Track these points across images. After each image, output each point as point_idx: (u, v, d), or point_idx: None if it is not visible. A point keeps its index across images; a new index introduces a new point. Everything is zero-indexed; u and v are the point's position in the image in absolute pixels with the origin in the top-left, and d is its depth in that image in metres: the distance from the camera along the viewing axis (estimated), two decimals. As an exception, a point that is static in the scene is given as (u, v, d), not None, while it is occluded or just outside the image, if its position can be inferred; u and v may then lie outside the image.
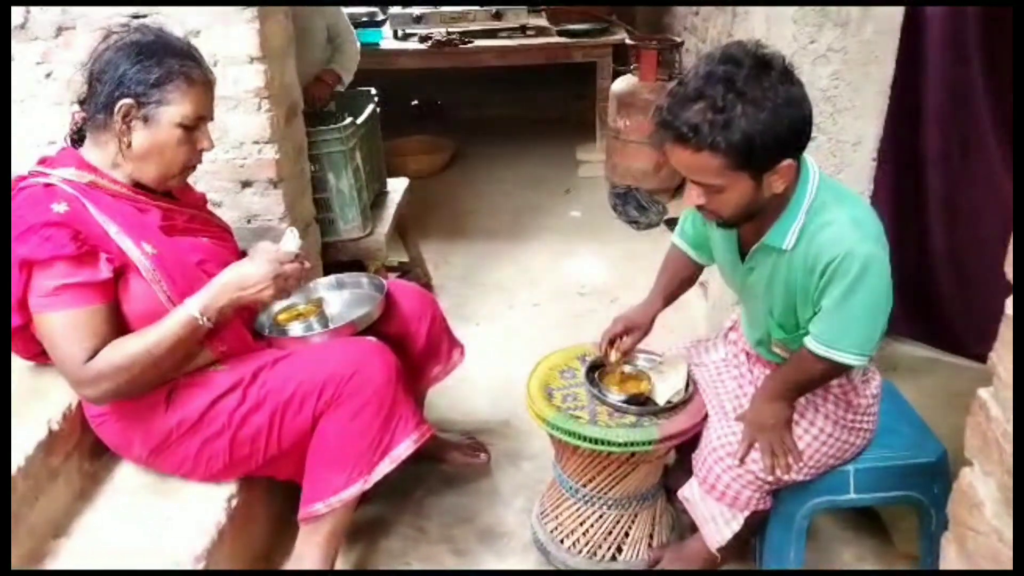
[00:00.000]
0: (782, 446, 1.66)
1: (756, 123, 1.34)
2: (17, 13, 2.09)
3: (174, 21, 2.06)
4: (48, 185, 1.58)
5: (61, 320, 1.52)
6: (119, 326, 1.59)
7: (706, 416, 1.80)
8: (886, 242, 1.51)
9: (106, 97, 1.57)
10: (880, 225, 1.53)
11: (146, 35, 1.62)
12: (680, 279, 1.95)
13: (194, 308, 1.59)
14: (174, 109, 1.60)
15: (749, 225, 1.58)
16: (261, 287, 1.63)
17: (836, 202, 1.51)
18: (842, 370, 1.58)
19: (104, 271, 1.55)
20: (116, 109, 1.57)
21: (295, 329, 1.84)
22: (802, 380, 1.64)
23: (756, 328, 1.76)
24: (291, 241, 1.72)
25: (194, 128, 1.65)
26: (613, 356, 1.92)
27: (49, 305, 1.52)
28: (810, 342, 1.54)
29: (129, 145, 1.61)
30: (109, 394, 1.58)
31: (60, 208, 1.54)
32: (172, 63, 1.59)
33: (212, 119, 1.71)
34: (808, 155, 1.56)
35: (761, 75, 1.36)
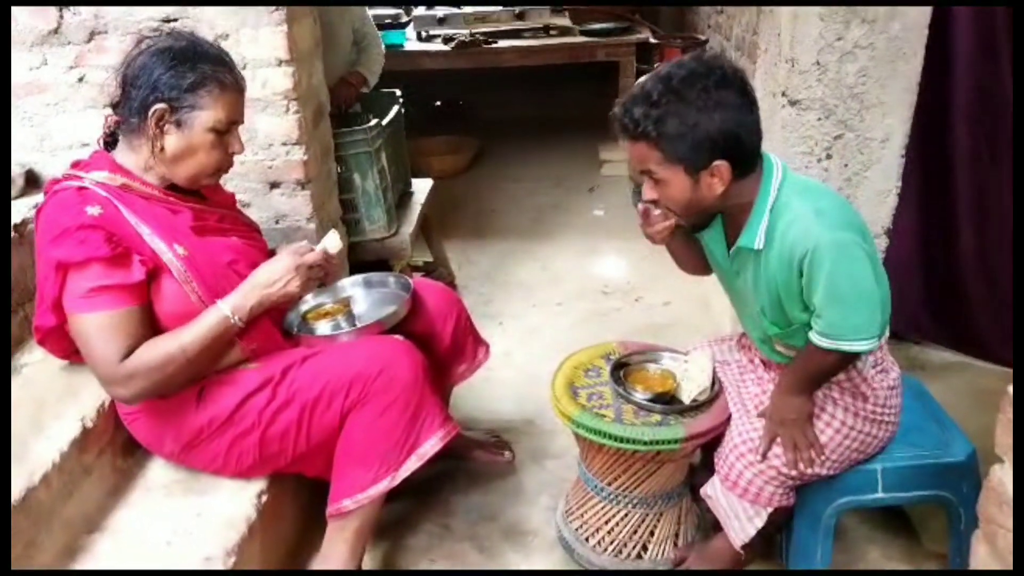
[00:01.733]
0: (804, 440, 1.67)
1: (686, 120, 1.45)
2: (50, 18, 2.13)
3: (204, 25, 2.10)
4: (81, 188, 1.61)
5: (96, 321, 1.55)
6: (152, 327, 1.63)
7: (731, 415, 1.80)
8: (859, 223, 1.56)
9: (140, 102, 1.60)
10: (849, 211, 1.58)
11: (179, 41, 1.64)
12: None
13: (226, 308, 1.64)
14: (207, 114, 1.62)
15: (731, 228, 1.65)
16: (286, 279, 1.70)
17: (799, 197, 1.54)
18: (854, 357, 1.60)
19: (137, 273, 1.58)
20: (150, 114, 1.60)
21: (323, 328, 1.86)
22: (816, 373, 1.64)
23: (755, 329, 1.77)
24: (331, 241, 1.81)
25: (226, 132, 1.68)
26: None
27: (84, 307, 1.55)
28: (815, 337, 1.56)
29: (163, 149, 1.64)
30: (141, 393, 1.61)
31: (94, 211, 1.57)
32: (205, 68, 1.61)
33: (243, 123, 1.74)
34: (772, 153, 1.62)
35: (698, 79, 1.46)
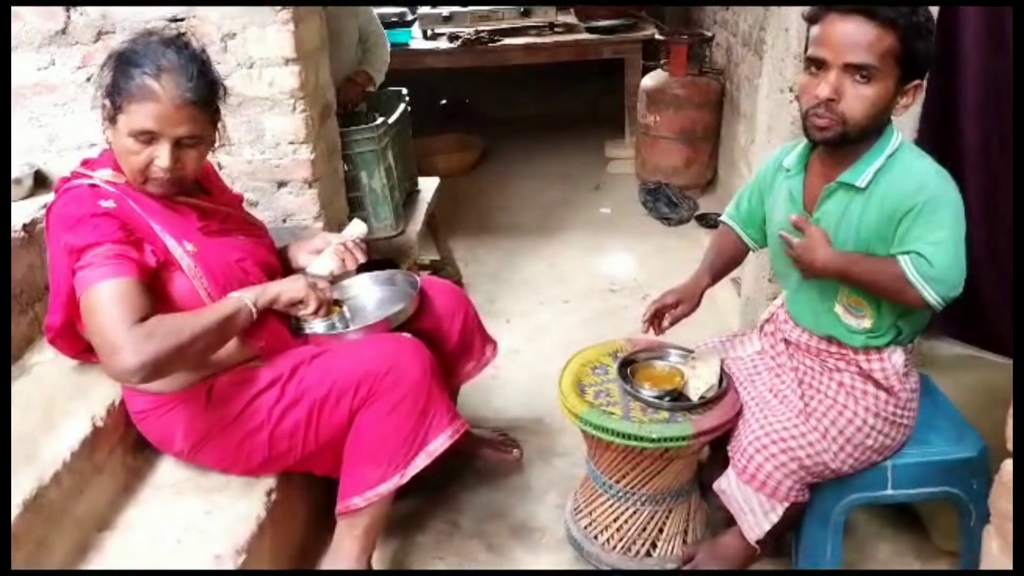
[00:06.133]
0: (805, 257, 1.62)
1: (928, 26, 1.49)
2: (58, 18, 2.14)
3: (210, 24, 2.10)
4: (93, 186, 1.62)
5: (110, 288, 1.51)
6: (162, 311, 1.59)
7: (740, 411, 1.79)
8: None
9: (98, 98, 1.64)
10: None
11: (135, 43, 1.64)
12: (727, 257, 2.00)
13: (239, 294, 1.65)
14: (124, 118, 1.59)
15: (821, 173, 1.66)
16: (298, 297, 1.74)
17: (916, 155, 1.59)
18: (914, 300, 1.54)
19: (150, 258, 1.59)
20: (101, 106, 1.63)
21: (317, 327, 1.84)
22: (875, 277, 1.58)
23: (811, 292, 1.73)
24: (356, 228, 1.93)
25: (148, 143, 1.60)
26: (654, 331, 1.95)
27: (96, 277, 1.51)
28: (907, 266, 1.52)
29: (108, 143, 1.67)
30: (152, 359, 1.48)
31: (108, 204, 1.59)
32: (136, 73, 1.58)
33: (189, 137, 1.63)
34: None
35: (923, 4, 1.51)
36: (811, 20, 1.55)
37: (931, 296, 1.51)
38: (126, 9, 2.11)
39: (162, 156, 1.61)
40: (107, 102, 1.62)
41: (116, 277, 1.52)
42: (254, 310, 1.65)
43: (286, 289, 1.72)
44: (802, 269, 1.66)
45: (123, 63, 1.61)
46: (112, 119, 1.62)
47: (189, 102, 1.60)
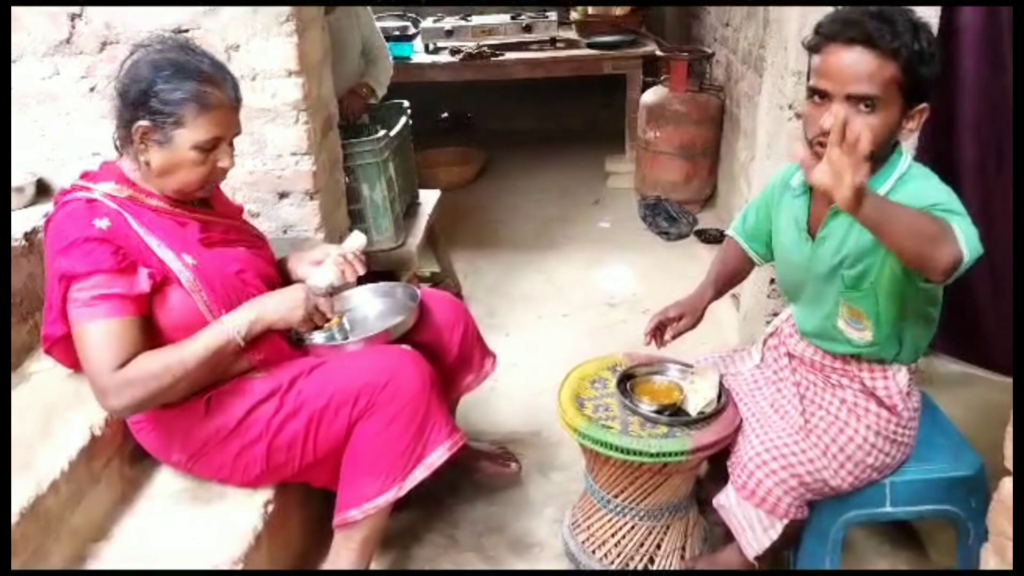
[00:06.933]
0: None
1: (931, 51, 1.46)
2: (62, 28, 2.15)
3: (215, 35, 2.11)
4: (91, 200, 1.61)
5: (96, 330, 1.54)
6: (152, 340, 1.61)
7: (739, 426, 1.79)
8: None
9: (129, 116, 1.59)
10: None
11: (168, 53, 1.61)
12: (731, 270, 2.01)
13: (230, 324, 1.64)
14: (187, 132, 1.59)
15: (826, 196, 1.54)
16: (292, 309, 1.72)
17: (926, 178, 1.57)
18: (941, 254, 1.33)
19: (142, 285, 1.58)
20: (134, 129, 1.59)
21: (316, 338, 1.84)
22: (906, 216, 1.35)
23: (817, 309, 1.73)
24: (355, 240, 1.91)
25: (212, 149, 1.64)
26: (655, 344, 1.97)
27: (85, 316, 1.54)
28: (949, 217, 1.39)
29: (148, 163, 1.63)
30: (133, 404, 1.57)
31: (102, 224, 1.57)
32: (190, 86, 1.57)
33: (234, 136, 1.69)
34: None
35: (927, 26, 1.50)
36: (812, 49, 1.53)
37: (966, 248, 1.35)
38: (131, 19, 2.13)
39: (225, 158, 1.67)
40: (151, 122, 1.57)
41: (102, 319, 1.54)
42: (242, 343, 1.65)
43: (282, 316, 1.71)
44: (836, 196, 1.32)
45: (169, 75, 1.57)
46: (161, 138, 1.59)
47: (237, 100, 1.68)
